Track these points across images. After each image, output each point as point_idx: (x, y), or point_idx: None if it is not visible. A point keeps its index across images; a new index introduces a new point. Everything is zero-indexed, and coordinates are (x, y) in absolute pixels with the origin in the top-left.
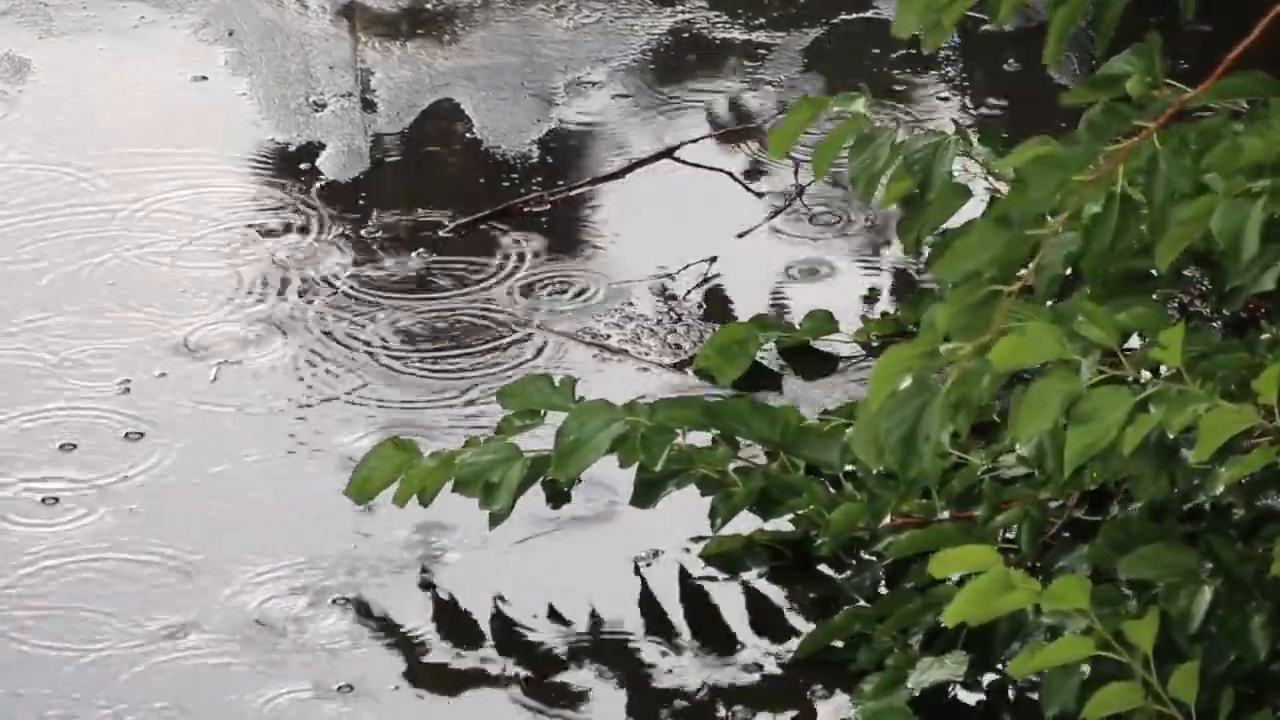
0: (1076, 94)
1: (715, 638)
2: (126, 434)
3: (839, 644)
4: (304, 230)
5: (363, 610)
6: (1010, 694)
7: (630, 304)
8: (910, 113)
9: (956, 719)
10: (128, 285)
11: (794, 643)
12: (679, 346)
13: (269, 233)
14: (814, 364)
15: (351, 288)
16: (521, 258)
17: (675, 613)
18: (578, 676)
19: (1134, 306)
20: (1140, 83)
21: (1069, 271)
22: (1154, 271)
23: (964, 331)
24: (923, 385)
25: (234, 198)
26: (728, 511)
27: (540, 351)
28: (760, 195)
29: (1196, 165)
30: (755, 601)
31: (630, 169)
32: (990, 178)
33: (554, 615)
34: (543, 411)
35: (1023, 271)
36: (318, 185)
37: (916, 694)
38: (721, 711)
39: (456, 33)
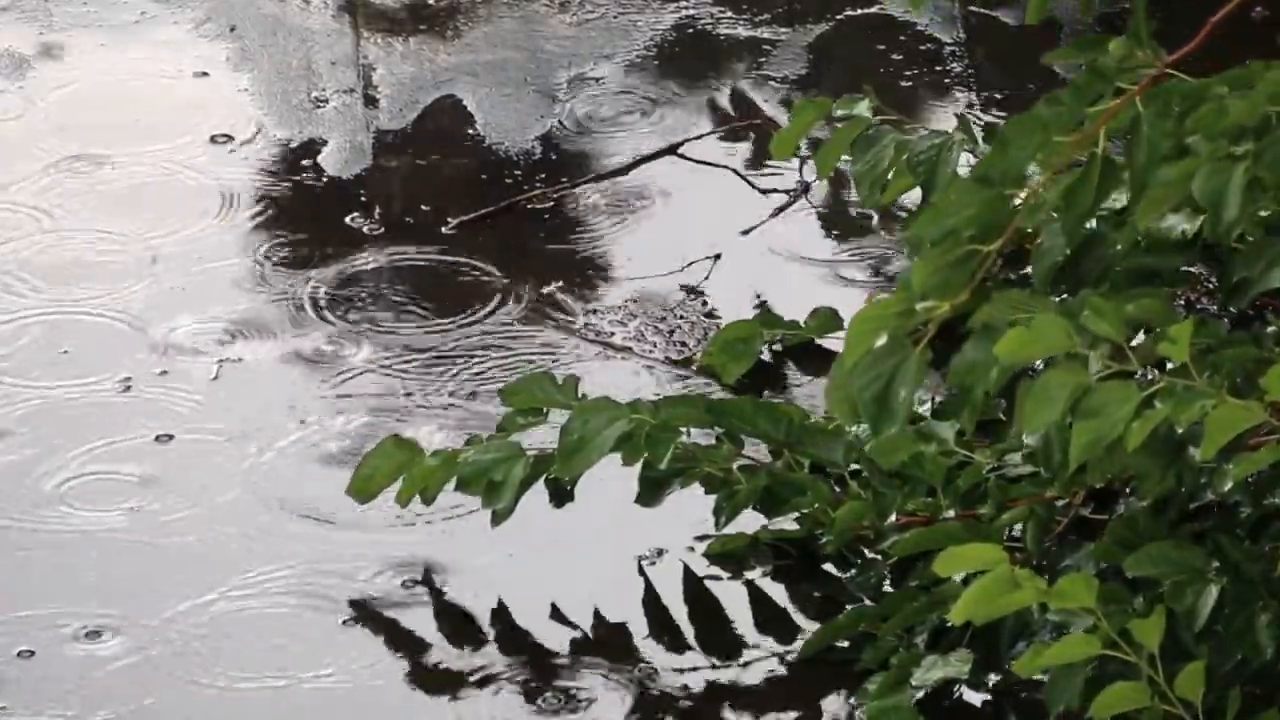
0: (1060, 54)
1: (719, 637)
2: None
3: (844, 643)
4: (305, 227)
5: (364, 610)
6: (1016, 693)
7: (634, 301)
8: (913, 110)
9: (962, 718)
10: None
11: (798, 642)
12: (683, 344)
13: (268, 230)
14: (819, 362)
15: (352, 285)
16: (524, 256)
17: (679, 612)
18: (581, 676)
19: (1141, 300)
20: (1124, 45)
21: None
22: (1159, 271)
23: (940, 290)
24: (898, 344)
25: (235, 196)
26: (732, 510)
27: (543, 349)
28: (764, 192)
29: (1179, 128)
30: (759, 600)
31: (634, 165)
32: None
33: (557, 615)
34: (545, 410)
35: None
36: (321, 181)
37: (921, 693)
38: (725, 711)
39: (459, 28)
